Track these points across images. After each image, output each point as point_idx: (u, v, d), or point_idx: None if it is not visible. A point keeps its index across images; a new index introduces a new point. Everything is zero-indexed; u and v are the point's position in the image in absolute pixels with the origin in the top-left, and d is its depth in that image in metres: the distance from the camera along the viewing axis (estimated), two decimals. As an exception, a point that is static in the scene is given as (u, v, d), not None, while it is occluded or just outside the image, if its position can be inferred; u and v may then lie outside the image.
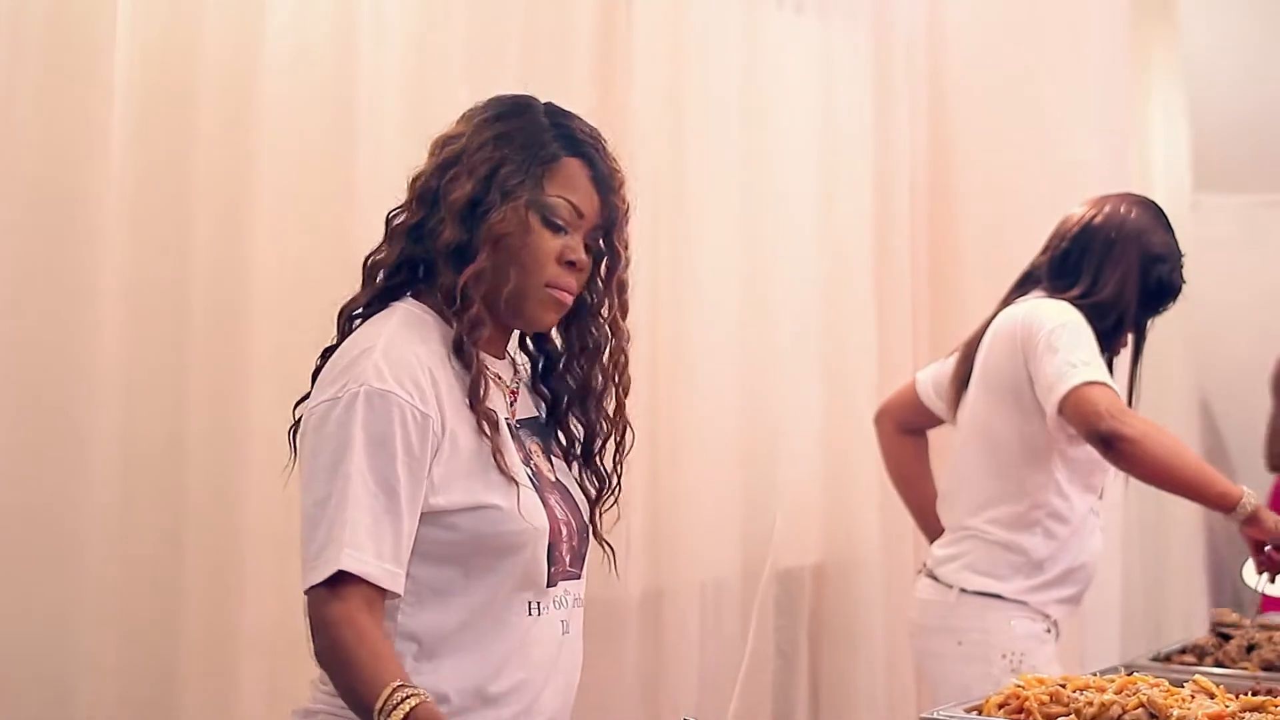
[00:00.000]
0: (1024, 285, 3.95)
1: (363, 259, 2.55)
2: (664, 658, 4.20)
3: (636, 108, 4.10)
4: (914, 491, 4.28)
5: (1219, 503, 3.62)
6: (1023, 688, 2.79)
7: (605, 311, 2.58)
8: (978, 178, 5.26)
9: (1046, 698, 2.74)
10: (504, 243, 2.43)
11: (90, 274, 3.04)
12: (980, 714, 2.78)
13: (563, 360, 2.63)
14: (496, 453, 2.40)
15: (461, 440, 2.40)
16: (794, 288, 4.67)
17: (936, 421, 4.22)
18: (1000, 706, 2.77)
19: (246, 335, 3.33)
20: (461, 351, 2.43)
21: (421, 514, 2.36)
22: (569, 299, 2.51)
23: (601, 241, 2.55)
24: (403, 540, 2.32)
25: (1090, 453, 3.74)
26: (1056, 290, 3.83)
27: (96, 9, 3.03)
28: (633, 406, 4.04)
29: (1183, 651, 3.63)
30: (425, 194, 2.48)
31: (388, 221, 2.54)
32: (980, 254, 5.24)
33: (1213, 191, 6.98)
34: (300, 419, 2.48)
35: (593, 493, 2.63)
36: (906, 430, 4.28)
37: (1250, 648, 3.55)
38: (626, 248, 2.56)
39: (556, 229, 2.46)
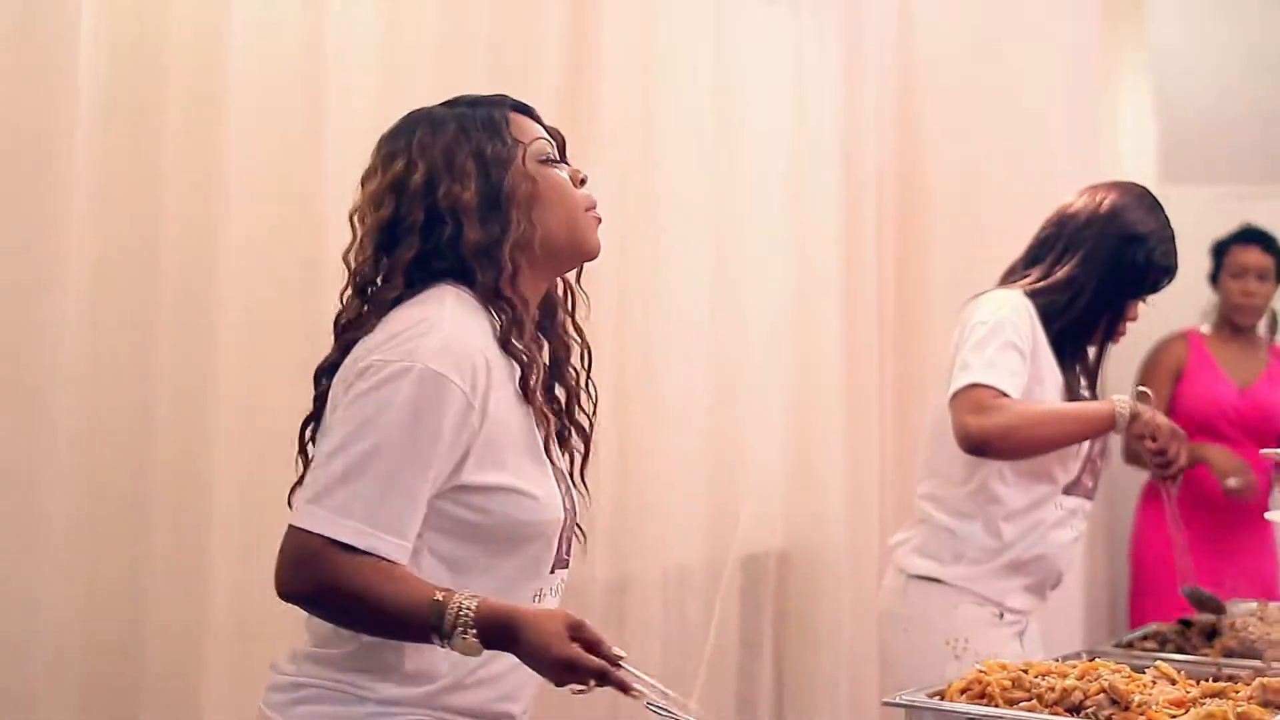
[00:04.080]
0: (1006, 277, 3.95)
1: (341, 264, 2.59)
2: (627, 645, 4.17)
3: (606, 99, 4.10)
4: None
5: (1101, 428, 3.69)
6: (985, 673, 2.80)
7: None
8: (946, 168, 5.27)
9: (1008, 683, 2.75)
10: (526, 198, 2.51)
11: (56, 261, 3.03)
12: (942, 699, 2.79)
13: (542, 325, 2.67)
14: (548, 441, 2.50)
15: (507, 423, 2.45)
16: (762, 278, 4.68)
17: None
18: (962, 692, 2.78)
19: (214, 321, 3.32)
20: (508, 346, 2.48)
21: (455, 490, 2.40)
22: (598, 218, 2.60)
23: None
24: (418, 517, 2.36)
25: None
26: (1022, 278, 3.85)
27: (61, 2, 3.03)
28: (600, 396, 4.07)
29: (1145, 638, 3.65)
30: (413, 226, 2.49)
31: (355, 274, 2.54)
32: (948, 245, 5.26)
33: (1180, 183, 7.00)
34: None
35: (578, 460, 2.67)
36: None
37: (1212, 634, 3.57)
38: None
39: (554, 162, 2.58)
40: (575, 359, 2.69)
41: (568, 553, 2.60)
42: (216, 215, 3.31)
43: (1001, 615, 3.80)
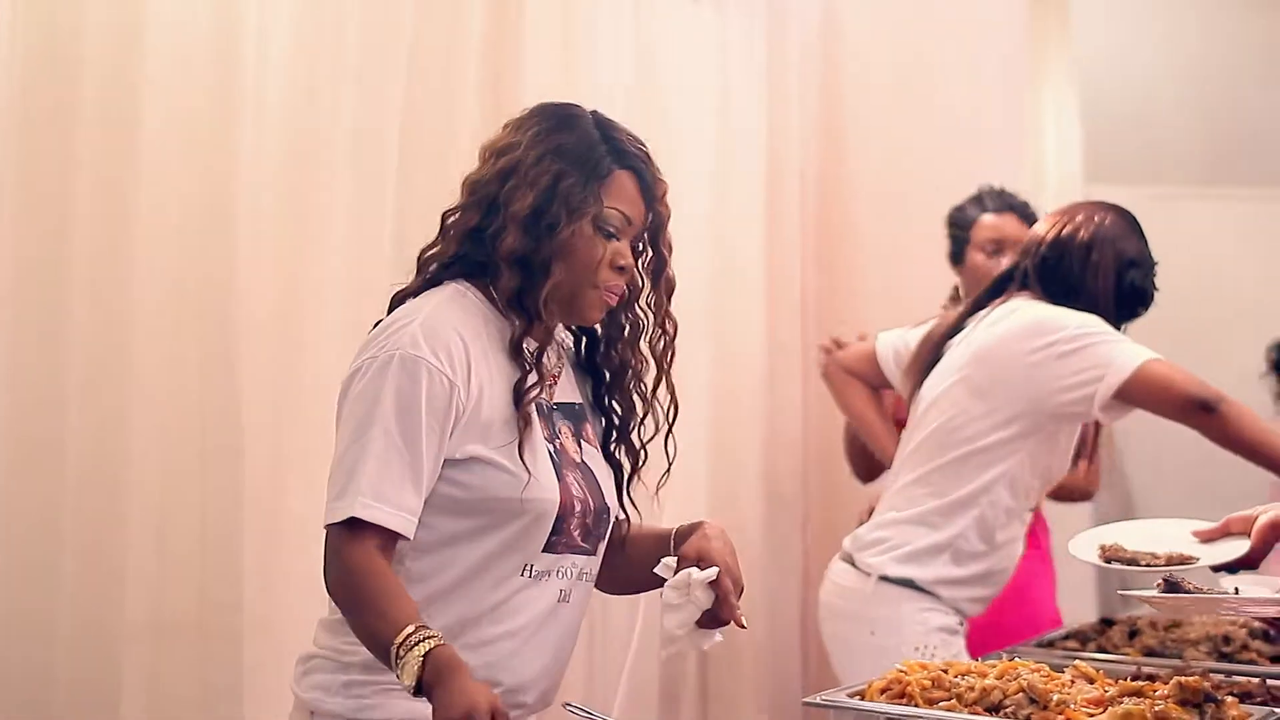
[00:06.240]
0: (1001, 287, 3.95)
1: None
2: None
3: (527, 97, 4.07)
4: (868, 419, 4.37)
5: None
6: (905, 672, 2.80)
7: (648, 300, 2.77)
8: (870, 165, 5.27)
9: (928, 682, 2.75)
10: (562, 247, 2.60)
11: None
12: (863, 699, 2.79)
13: (604, 342, 2.80)
14: (522, 442, 2.57)
15: (491, 409, 2.58)
16: (684, 275, 4.63)
17: (885, 385, 4.31)
18: (882, 691, 2.77)
19: (127, 325, 3.32)
20: (518, 351, 2.62)
21: (443, 465, 2.55)
22: (615, 299, 2.69)
23: (648, 244, 2.74)
24: (420, 489, 2.51)
25: (1052, 462, 3.81)
26: (1049, 299, 3.82)
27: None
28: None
29: (1066, 638, 3.65)
30: (484, 200, 2.64)
31: (443, 220, 2.69)
32: (871, 243, 5.27)
33: (1105, 184, 7.05)
34: None
35: (627, 470, 2.80)
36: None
37: (1133, 634, 3.58)
38: (670, 250, 2.75)
39: (609, 236, 2.65)
40: (635, 381, 2.80)
41: (585, 540, 2.69)
42: (129, 218, 3.30)
43: (961, 624, 3.81)
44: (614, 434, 2.81)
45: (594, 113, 2.74)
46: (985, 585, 3.86)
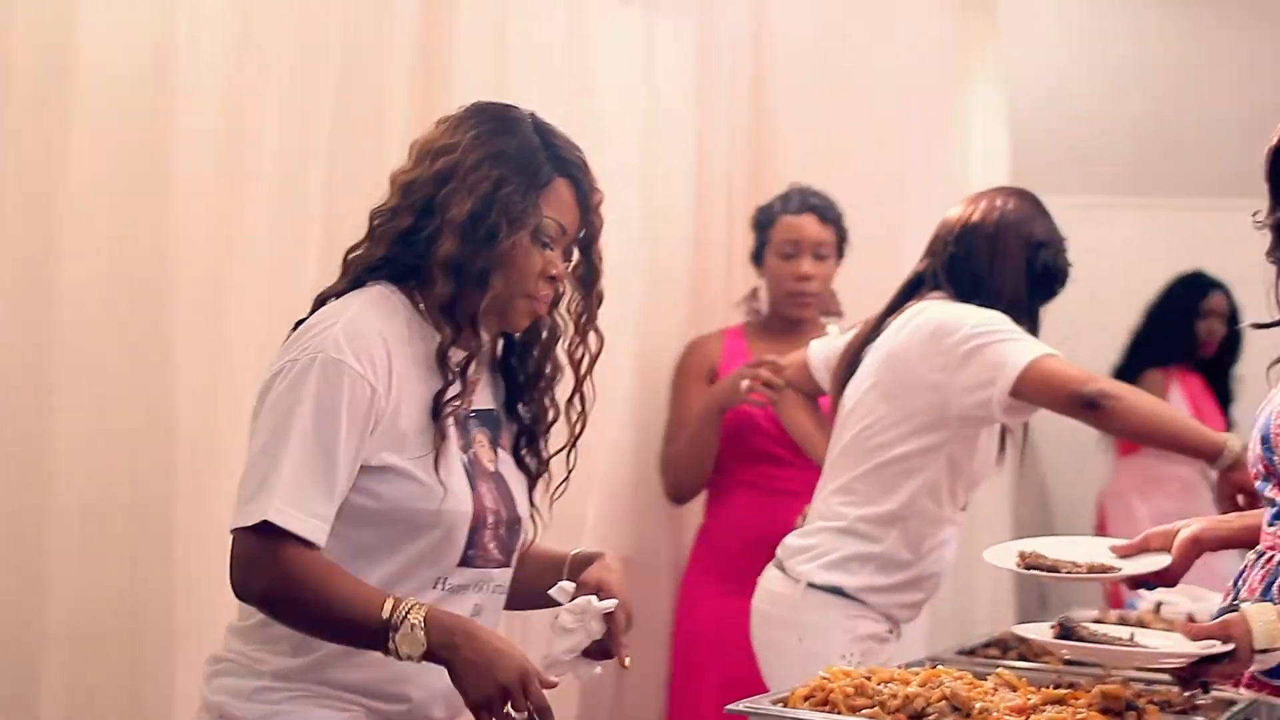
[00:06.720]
0: (914, 289, 3.91)
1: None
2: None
3: (458, 97, 4.06)
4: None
5: (1205, 450, 3.57)
6: (828, 679, 2.80)
7: (570, 308, 2.75)
8: (798, 168, 5.26)
9: (851, 690, 2.75)
10: (500, 257, 2.58)
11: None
12: (786, 706, 2.79)
13: (521, 346, 2.79)
14: (438, 455, 2.56)
15: (408, 418, 2.56)
16: (611, 277, 4.64)
17: (819, 393, 4.27)
18: (806, 698, 2.78)
19: (51, 323, 3.28)
20: (443, 362, 2.59)
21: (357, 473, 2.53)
22: (544, 309, 2.69)
23: (579, 253, 2.73)
24: (333, 497, 2.48)
25: (974, 466, 3.81)
26: (958, 296, 3.80)
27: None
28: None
29: (988, 645, 3.67)
30: (418, 202, 2.60)
31: (371, 219, 2.65)
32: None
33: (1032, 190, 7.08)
34: None
35: (532, 475, 2.79)
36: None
37: (1056, 641, 3.59)
38: (601, 259, 2.74)
39: (544, 246, 2.63)
40: (548, 388, 2.78)
41: (500, 553, 2.68)
42: (57, 226, 3.27)
43: (891, 631, 3.81)
44: (523, 439, 2.79)
45: (533, 115, 2.71)
46: (916, 591, 3.86)
